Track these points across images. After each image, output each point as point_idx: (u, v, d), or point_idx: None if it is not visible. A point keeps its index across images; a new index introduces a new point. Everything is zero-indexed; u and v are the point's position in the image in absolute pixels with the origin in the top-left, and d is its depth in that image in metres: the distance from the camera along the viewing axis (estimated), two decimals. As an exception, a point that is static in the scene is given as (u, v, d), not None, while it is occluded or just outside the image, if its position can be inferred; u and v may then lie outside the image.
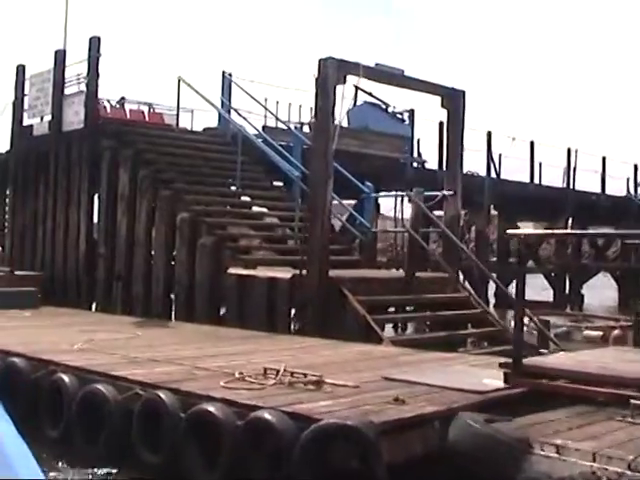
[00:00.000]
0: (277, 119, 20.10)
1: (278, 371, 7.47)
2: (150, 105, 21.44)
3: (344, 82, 12.39)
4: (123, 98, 21.16)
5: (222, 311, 13.35)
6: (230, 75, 18.37)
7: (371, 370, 8.36)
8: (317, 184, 12.10)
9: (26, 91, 19.06)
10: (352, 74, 12.57)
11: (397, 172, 22.03)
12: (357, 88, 22.54)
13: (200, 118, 21.55)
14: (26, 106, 19.09)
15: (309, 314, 11.86)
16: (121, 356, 9.02)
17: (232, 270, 12.93)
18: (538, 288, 23.49)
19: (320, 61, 12.16)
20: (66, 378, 8.00)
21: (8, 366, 8.90)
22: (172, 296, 14.28)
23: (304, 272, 11.95)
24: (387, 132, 22.88)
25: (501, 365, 7.32)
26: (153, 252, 14.78)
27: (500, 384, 7.17)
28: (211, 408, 6.45)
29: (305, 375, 7.35)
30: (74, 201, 16.70)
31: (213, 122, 21.11)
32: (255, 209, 15.89)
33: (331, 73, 12.09)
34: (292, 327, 12.06)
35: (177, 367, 8.28)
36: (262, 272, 12.72)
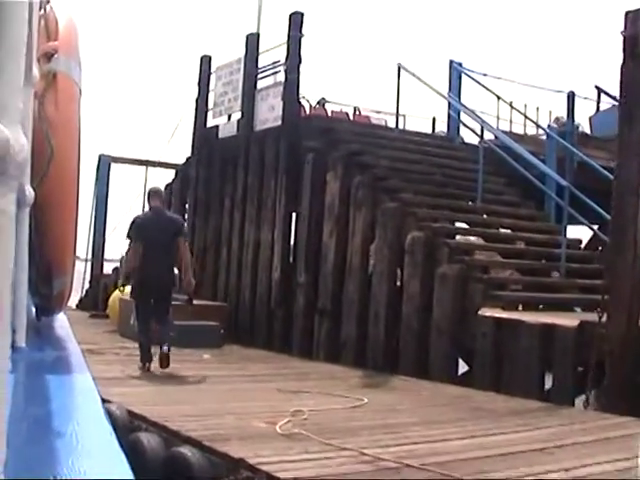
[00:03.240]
0: (537, 123, 16.29)
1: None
2: (356, 108, 18.25)
3: (662, 43, 8.59)
4: (323, 99, 18.09)
5: (466, 367, 9.79)
6: (460, 65, 14.83)
7: None
8: (626, 191, 8.23)
9: (211, 87, 16.12)
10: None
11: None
12: (599, 90, 18.99)
13: (412, 123, 18.23)
14: (210, 104, 16.10)
15: (609, 380, 8.08)
16: (351, 453, 5.53)
17: (486, 311, 9.31)
18: None
19: (628, 14, 8.42)
20: (269, 505, 4.56)
21: (172, 460, 5.61)
22: (396, 341, 10.73)
23: (603, 319, 8.16)
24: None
25: None
26: (371, 281, 11.31)
27: None
28: None
29: None
30: (267, 216, 13.51)
31: (427, 128, 17.78)
32: (502, 230, 12.20)
33: (645, 30, 8.34)
34: (585, 399, 8.25)
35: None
36: (532, 316, 9.05)
